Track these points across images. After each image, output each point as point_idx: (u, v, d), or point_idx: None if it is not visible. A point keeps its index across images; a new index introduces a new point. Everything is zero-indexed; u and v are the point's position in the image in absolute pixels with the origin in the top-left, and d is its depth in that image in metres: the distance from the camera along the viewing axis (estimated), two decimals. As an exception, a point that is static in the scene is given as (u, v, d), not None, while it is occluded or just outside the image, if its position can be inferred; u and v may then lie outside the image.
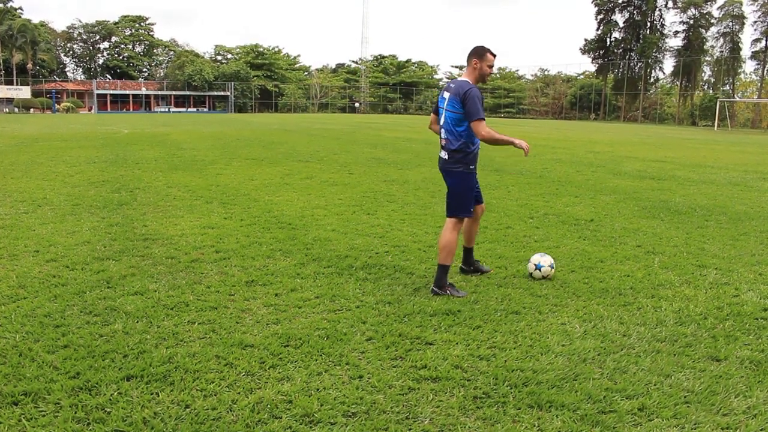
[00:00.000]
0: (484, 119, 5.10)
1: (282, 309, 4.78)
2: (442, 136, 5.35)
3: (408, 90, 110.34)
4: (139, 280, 5.41)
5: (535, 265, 5.69)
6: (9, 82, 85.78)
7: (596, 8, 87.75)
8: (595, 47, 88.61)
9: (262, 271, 5.78)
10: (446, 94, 5.25)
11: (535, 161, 17.02)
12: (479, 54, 5.19)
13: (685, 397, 3.50)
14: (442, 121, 5.34)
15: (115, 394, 3.40)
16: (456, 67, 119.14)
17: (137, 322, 4.46)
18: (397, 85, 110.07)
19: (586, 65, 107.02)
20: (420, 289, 5.32)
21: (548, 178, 13.31)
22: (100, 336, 4.18)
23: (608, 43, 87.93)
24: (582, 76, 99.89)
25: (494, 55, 5.21)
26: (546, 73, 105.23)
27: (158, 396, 3.40)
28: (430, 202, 9.81)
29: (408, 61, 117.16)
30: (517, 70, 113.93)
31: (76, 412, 3.21)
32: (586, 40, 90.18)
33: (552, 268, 5.68)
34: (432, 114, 5.75)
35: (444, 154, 5.38)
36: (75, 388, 3.46)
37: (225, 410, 3.27)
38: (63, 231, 7.28)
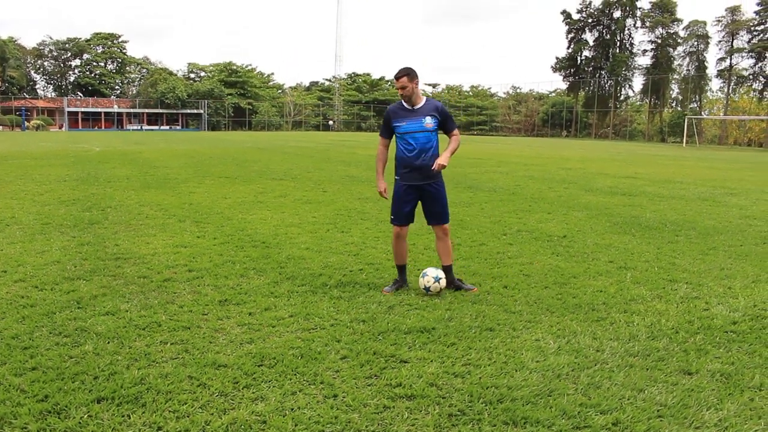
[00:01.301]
0: (380, 136, 6.06)
1: (256, 328, 4.74)
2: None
3: (382, 108, 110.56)
4: (111, 300, 5.34)
5: (434, 277, 5.67)
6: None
7: (567, 27, 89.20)
8: (566, 65, 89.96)
9: (235, 290, 5.73)
10: None
11: (508, 178, 17.16)
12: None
13: (658, 411, 3.52)
14: None
15: (85, 417, 3.34)
16: (430, 84, 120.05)
17: (108, 342, 4.39)
18: (370, 103, 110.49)
19: (558, 83, 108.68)
20: (394, 306, 5.32)
21: (521, 194, 13.42)
22: (70, 357, 4.11)
23: (579, 62, 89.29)
24: (554, 94, 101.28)
25: (396, 79, 5.72)
26: (518, 90, 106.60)
27: (129, 418, 3.34)
28: (404, 219, 9.83)
29: (381, 78, 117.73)
30: (489, 88, 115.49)
31: (44, 436, 3.15)
32: (557, 58, 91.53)
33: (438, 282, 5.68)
34: None
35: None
36: (43, 411, 3.39)
37: (198, 431, 3.22)
38: (32, 250, 7.17)
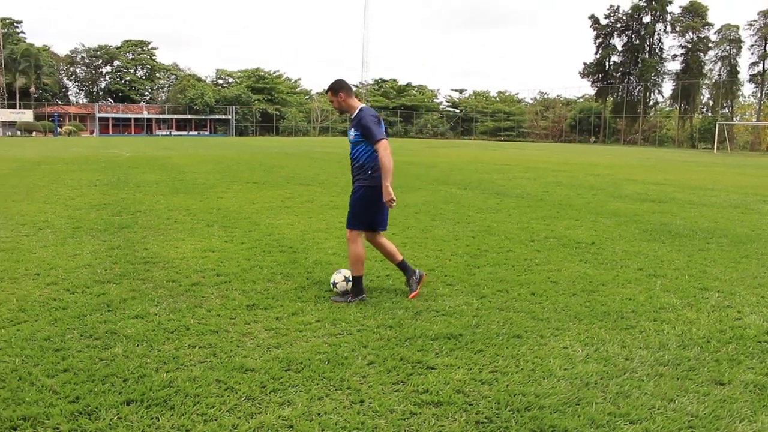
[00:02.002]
0: (383, 137, 5.69)
1: (283, 333, 4.76)
2: None
3: (408, 113, 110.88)
4: (140, 304, 5.40)
5: (344, 277, 5.76)
6: (12, 106, 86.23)
7: (595, 32, 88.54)
8: (594, 71, 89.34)
9: (263, 294, 5.76)
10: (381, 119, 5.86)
11: (536, 184, 17.06)
12: None
13: (689, 421, 3.47)
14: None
15: (115, 418, 3.38)
16: (456, 90, 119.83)
17: (137, 345, 4.44)
18: (397, 109, 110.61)
19: (586, 88, 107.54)
20: (421, 312, 5.30)
21: (549, 201, 13.33)
22: (100, 360, 4.16)
23: (607, 67, 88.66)
24: (581, 99, 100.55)
25: (326, 93, 5.92)
26: (545, 96, 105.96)
27: (158, 420, 3.37)
28: (430, 225, 9.81)
29: (408, 84, 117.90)
30: (516, 94, 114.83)
31: (75, 437, 3.19)
32: (585, 63, 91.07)
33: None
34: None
35: None
36: (74, 412, 3.43)
37: (225, 435, 3.24)
38: (64, 254, 7.28)
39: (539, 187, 16.21)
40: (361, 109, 5.72)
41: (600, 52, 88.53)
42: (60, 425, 3.30)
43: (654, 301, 5.80)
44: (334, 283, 5.80)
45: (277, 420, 3.39)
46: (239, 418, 3.42)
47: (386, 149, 5.52)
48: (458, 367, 4.16)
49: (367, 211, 5.75)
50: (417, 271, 6.01)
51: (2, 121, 79.47)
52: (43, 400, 3.56)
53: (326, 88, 5.83)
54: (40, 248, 7.61)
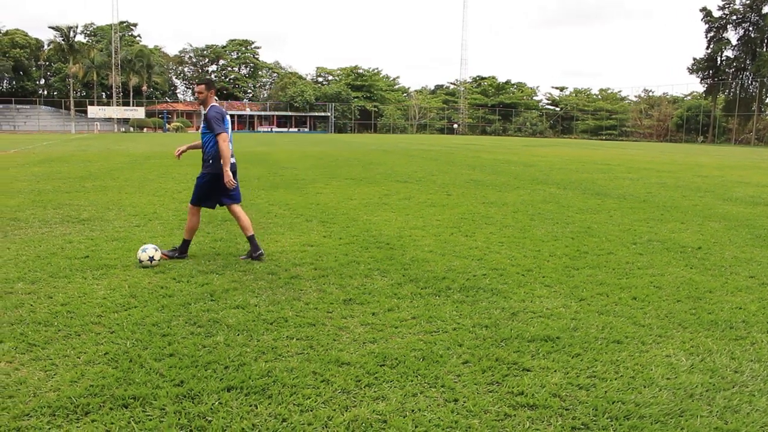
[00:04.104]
0: (223, 131, 6.71)
1: (378, 328, 4.80)
2: (231, 148, 6.87)
3: (507, 111, 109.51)
4: (241, 294, 5.58)
5: (149, 257, 6.47)
6: (126, 104, 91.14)
7: (707, 25, 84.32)
8: (705, 66, 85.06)
9: (359, 289, 5.83)
10: (228, 117, 6.89)
11: (638, 185, 16.47)
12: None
13: (805, 440, 3.25)
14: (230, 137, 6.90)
15: (216, 403, 3.51)
16: (556, 88, 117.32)
17: (238, 334, 4.58)
18: (495, 107, 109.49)
19: (694, 85, 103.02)
20: (518, 313, 5.22)
21: (652, 202, 12.83)
22: (203, 347, 4.33)
23: (719, 62, 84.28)
24: (689, 97, 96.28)
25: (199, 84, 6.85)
26: (650, 94, 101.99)
27: (256, 408, 3.47)
28: (529, 225, 9.65)
29: (507, 82, 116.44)
30: (619, 91, 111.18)
31: (179, 419, 3.33)
32: (694, 59, 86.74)
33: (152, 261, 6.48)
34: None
35: (234, 160, 7.00)
36: (179, 395, 3.59)
37: (321, 426, 3.30)
38: (171, 244, 7.60)
39: (642, 188, 15.63)
40: (211, 106, 6.76)
41: (711, 46, 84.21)
42: (166, 406, 3.46)
43: (767, 311, 5.47)
44: (140, 261, 6.48)
45: (371, 414, 3.42)
46: (334, 410, 3.47)
47: (224, 141, 6.62)
48: (555, 371, 4.07)
49: (211, 193, 6.85)
50: (262, 252, 6.88)
51: (117, 118, 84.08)
52: (150, 382, 3.74)
53: (201, 80, 6.85)
54: (149, 238, 7.99)
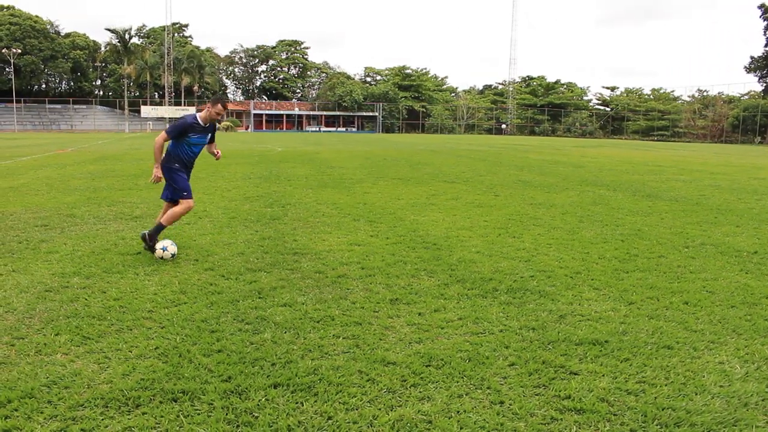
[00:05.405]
0: (165, 132, 7.08)
1: (425, 328, 4.79)
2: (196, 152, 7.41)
3: (556, 112, 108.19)
4: (288, 293, 5.62)
5: (161, 247, 6.73)
6: (177, 103, 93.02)
7: (766, 22, 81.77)
8: (763, 65, 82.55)
9: (406, 289, 5.82)
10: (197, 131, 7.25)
11: (691, 187, 16.08)
12: (213, 102, 7.15)
13: None
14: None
15: (263, 400, 3.54)
16: (607, 88, 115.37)
17: (285, 332, 4.62)
18: (545, 107, 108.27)
19: (752, 84, 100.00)
20: (566, 316, 5.15)
21: (705, 205, 12.50)
22: (251, 343, 4.38)
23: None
24: (746, 97, 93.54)
25: (224, 108, 7.29)
26: (705, 93, 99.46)
27: (302, 405, 3.49)
28: (577, 226, 9.50)
29: (557, 82, 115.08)
30: (672, 91, 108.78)
31: (227, 414, 3.38)
32: (752, 57, 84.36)
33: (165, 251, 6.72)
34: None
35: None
36: (227, 391, 3.64)
37: (366, 425, 3.31)
38: (220, 242, 7.72)
39: (695, 190, 15.25)
40: (193, 114, 7.26)
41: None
42: (214, 401, 3.51)
43: (828, 318, 5.28)
44: (165, 248, 6.74)
45: (417, 414, 3.41)
46: (379, 409, 3.47)
47: (157, 138, 7.04)
48: (603, 375, 4.00)
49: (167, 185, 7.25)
50: (155, 248, 6.80)
51: (169, 118, 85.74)
52: (199, 377, 3.80)
53: (222, 101, 7.22)
54: (199, 236, 8.13)
